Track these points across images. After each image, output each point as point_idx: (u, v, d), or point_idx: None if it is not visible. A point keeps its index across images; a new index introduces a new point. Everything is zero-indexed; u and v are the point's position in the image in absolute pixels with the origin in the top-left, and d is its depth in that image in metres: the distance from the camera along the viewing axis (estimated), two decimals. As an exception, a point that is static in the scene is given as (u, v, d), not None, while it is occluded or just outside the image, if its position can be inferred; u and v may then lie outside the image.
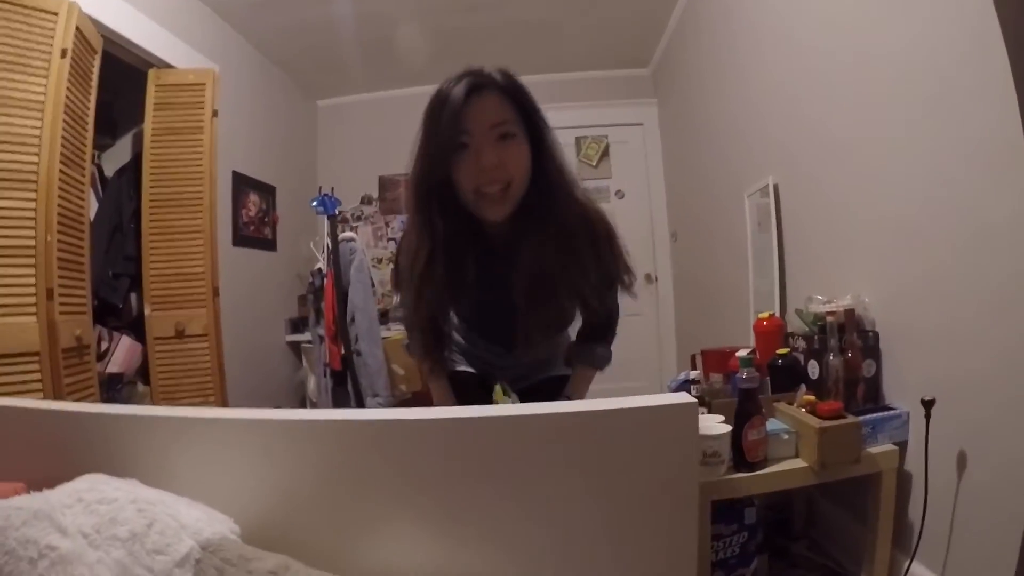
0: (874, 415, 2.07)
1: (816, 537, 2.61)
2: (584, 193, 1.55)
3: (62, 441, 1.01)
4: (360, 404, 3.47)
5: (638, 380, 5.41)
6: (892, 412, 2.09)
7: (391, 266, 5.46)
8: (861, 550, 2.25)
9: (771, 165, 3.00)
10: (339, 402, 3.58)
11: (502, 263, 1.45)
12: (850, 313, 2.21)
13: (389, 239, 5.73)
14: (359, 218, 5.67)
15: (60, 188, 2.38)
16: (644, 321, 5.54)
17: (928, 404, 1.88)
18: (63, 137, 2.40)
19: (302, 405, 4.79)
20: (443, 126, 1.27)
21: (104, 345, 2.96)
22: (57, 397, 2.23)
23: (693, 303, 4.94)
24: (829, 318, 2.18)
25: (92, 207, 2.78)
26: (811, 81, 2.60)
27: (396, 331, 4.64)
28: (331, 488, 0.94)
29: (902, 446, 2.07)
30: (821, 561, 2.47)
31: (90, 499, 0.85)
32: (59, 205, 2.37)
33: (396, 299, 5.26)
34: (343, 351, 3.49)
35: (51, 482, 0.94)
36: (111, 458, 0.97)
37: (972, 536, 1.84)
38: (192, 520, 0.86)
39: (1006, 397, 1.67)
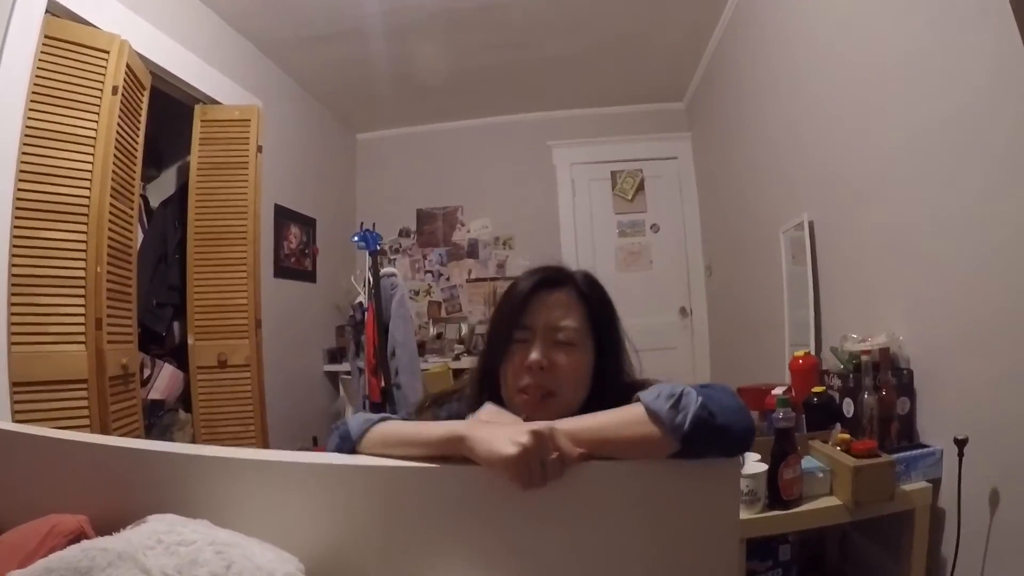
0: (908, 453, 2.06)
1: (849, 572, 2.59)
2: None
3: (126, 477, 1.03)
4: (399, 436, 3.49)
5: (673, 414, 5.36)
6: (926, 450, 2.08)
7: (428, 299, 5.58)
8: None
9: (807, 201, 3.00)
10: (377, 435, 3.60)
11: None
12: (885, 351, 2.19)
13: (426, 271, 5.80)
14: (397, 251, 5.75)
15: (110, 220, 2.47)
16: (678, 355, 5.51)
17: (961, 443, 1.86)
18: (113, 171, 2.49)
19: (338, 435, 4.83)
20: (504, 315, 1.20)
21: (147, 372, 3.04)
22: (103, 424, 2.29)
23: (728, 336, 4.91)
24: (864, 356, 2.18)
25: (137, 237, 2.87)
26: (848, 117, 2.59)
27: (434, 364, 4.70)
28: (388, 529, 0.96)
29: (936, 483, 2.06)
30: None
31: (170, 540, 0.87)
32: (108, 237, 2.46)
33: (433, 331, 5.29)
34: (383, 384, 3.52)
35: (114, 516, 0.97)
36: (176, 497, 1.00)
37: (1004, 572, 1.81)
38: (266, 561, 0.88)
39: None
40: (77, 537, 0.94)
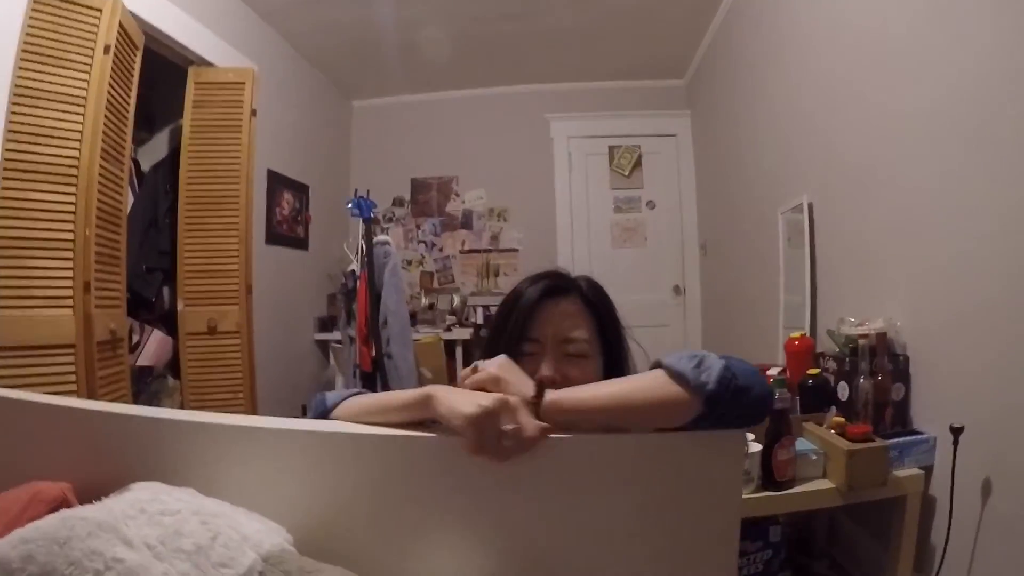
0: (902, 439, 2.06)
1: (837, 556, 2.61)
2: None
3: (111, 443, 1.00)
4: (389, 408, 3.47)
5: (663, 391, 5.38)
6: (919, 437, 2.09)
7: (420, 269, 5.54)
8: (881, 570, 2.26)
9: (806, 183, 2.98)
10: (367, 406, 3.58)
11: None
12: (882, 336, 2.19)
13: (419, 241, 5.77)
14: (390, 219, 5.71)
15: (99, 182, 2.42)
16: (671, 332, 5.51)
17: (957, 431, 1.87)
18: (104, 132, 2.44)
19: (328, 404, 4.81)
20: (510, 329, 1.14)
21: (135, 338, 3.00)
22: (90, 390, 2.27)
23: (721, 315, 4.91)
24: (861, 341, 2.18)
25: (128, 200, 2.82)
26: (851, 99, 2.57)
27: (425, 334, 4.67)
28: (382, 499, 0.94)
29: (928, 470, 2.07)
30: None
31: (153, 510, 0.83)
32: (98, 199, 2.41)
33: (424, 302, 5.27)
34: (374, 353, 3.50)
35: (99, 484, 0.93)
36: (162, 464, 0.96)
37: (993, 565, 1.83)
38: (253, 532, 0.85)
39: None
40: (59, 505, 0.91)
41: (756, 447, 1.85)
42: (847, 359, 2.28)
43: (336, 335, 4.74)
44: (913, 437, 2.09)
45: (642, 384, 0.90)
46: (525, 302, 1.15)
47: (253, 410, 3.31)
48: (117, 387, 2.50)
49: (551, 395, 0.90)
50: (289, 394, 4.38)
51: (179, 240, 3.20)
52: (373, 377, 3.51)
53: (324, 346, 5.01)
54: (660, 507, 0.91)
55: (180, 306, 3.15)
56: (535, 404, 0.88)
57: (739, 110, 4.13)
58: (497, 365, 0.99)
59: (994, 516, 1.82)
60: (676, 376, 0.87)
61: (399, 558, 0.94)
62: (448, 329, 5.10)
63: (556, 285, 1.17)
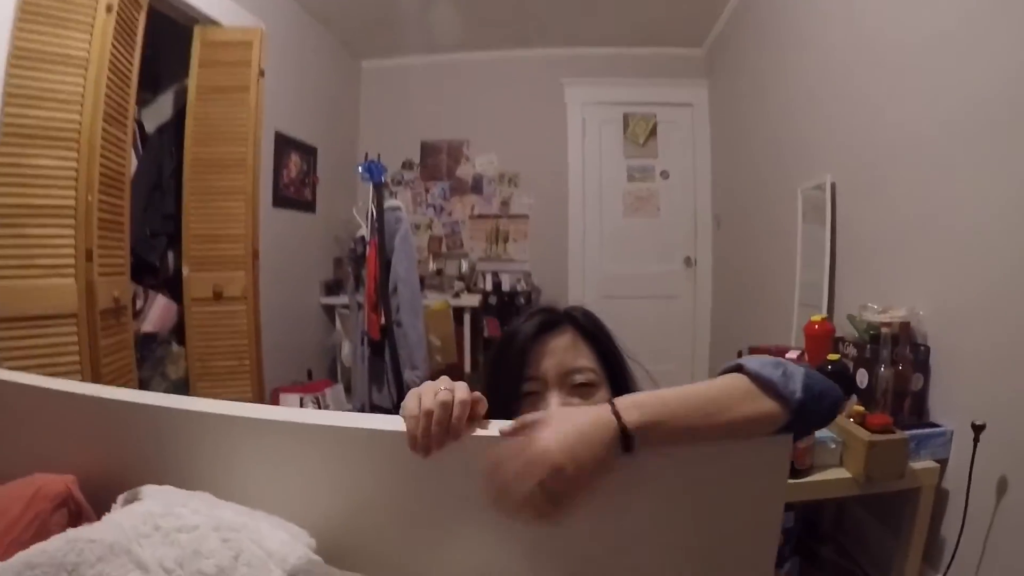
0: (919, 431, 2.06)
1: (843, 541, 2.62)
2: None
3: (120, 433, 0.94)
4: (398, 376, 3.44)
5: (669, 363, 5.39)
6: (937, 429, 2.08)
7: (429, 233, 5.49)
8: (886, 558, 2.28)
9: (829, 162, 2.92)
10: (375, 372, 3.56)
11: None
12: (905, 326, 2.18)
13: (428, 205, 5.69)
14: (399, 183, 5.61)
15: (102, 146, 2.35)
16: (680, 304, 5.49)
17: (978, 429, 1.85)
18: (106, 94, 2.36)
19: (334, 369, 4.81)
20: (508, 370, 1.08)
21: (139, 304, 2.96)
22: (94, 360, 2.23)
23: (732, 289, 4.86)
24: (884, 329, 2.15)
25: (131, 164, 2.75)
26: (879, 76, 2.50)
27: (434, 300, 4.63)
28: (408, 496, 0.88)
29: (943, 463, 2.07)
30: (849, 567, 2.49)
31: (168, 527, 0.77)
32: (100, 164, 2.35)
33: (432, 267, 5.25)
34: (383, 321, 3.45)
35: (104, 475, 0.90)
36: (174, 455, 0.91)
37: (1003, 563, 1.83)
38: (277, 546, 0.79)
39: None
40: (64, 501, 0.87)
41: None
42: (868, 346, 2.24)
43: (343, 299, 4.71)
44: (930, 430, 2.09)
45: (724, 395, 0.81)
46: (520, 340, 1.09)
47: (259, 376, 3.29)
48: (121, 356, 2.46)
49: (632, 417, 0.78)
50: (295, 359, 4.36)
51: (184, 204, 3.14)
52: (382, 345, 3.48)
53: (330, 310, 4.96)
54: (707, 511, 0.86)
55: (185, 272, 3.10)
56: (621, 431, 0.77)
57: (760, 84, 4.03)
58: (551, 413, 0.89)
59: (1008, 514, 1.82)
60: (765, 385, 0.81)
61: (427, 557, 0.89)
62: (456, 295, 5.04)
63: (549, 320, 1.12)
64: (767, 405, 0.80)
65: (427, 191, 5.71)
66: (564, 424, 0.78)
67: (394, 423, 0.85)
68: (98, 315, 2.29)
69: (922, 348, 2.18)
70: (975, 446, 1.85)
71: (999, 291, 1.86)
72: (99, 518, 0.90)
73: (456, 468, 0.83)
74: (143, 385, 2.89)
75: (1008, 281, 1.83)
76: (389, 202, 3.63)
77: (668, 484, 0.83)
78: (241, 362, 3.23)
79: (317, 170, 4.75)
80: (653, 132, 5.45)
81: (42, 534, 0.80)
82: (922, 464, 2.04)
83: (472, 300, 5.03)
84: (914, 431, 2.04)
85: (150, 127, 3.27)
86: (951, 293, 2.10)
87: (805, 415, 0.80)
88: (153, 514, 0.79)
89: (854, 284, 2.72)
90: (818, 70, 3.09)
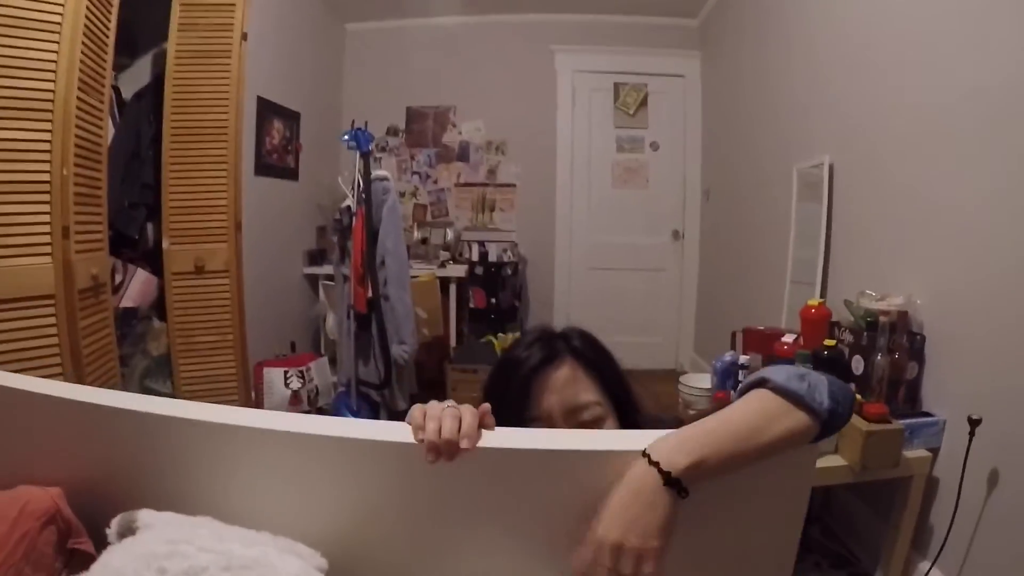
0: (913, 420, 2.08)
1: (830, 523, 2.67)
2: None
3: (111, 440, 0.89)
4: (385, 350, 3.39)
5: (655, 335, 5.39)
6: (930, 419, 2.11)
7: (414, 201, 5.41)
8: (872, 540, 2.35)
9: (827, 144, 2.89)
10: (362, 346, 3.50)
11: None
12: (903, 314, 2.19)
13: (413, 172, 5.60)
14: (383, 149, 5.50)
15: (77, 117, 2.24)
16: (667, 277, 5.50)
17: (975, 423, 1.86)
18: (81, 61, 2.24)
19: (318, 341, 4.74)
20: (508, 405, 1.02)
21: (118, 278, 2.86)
22: (73, 342, 2.15)
23: (720, 264, 4.85)
24: (882, 318, 2.14)
25: (108, 133, 2.64)
26: (880, 56, 2.48)
27: (420, 271, 4.56)
28: (416, 505, 0.85)
29: (935, 452, 2.10)
30: (835, 548, 2.53)
31: (175, 570, 0.71)
32: (76, 135, 2.24)
33: (417, 235, 5.16)
34: (370, 294, 3.38)
35: (93, 487, 0.86)
36: (173, 465, 0.87)
37: (991, 553, 1.88)
38: None
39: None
40: (52, 518, 0.83)
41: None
42: (865, 333, 2.24)
43: (326, 269, 4.63)
44: (924, 419, 2.11)
45: (757, 416, 0.78)
46: (520, 378, 1.06)
47: (243, 352, 3.22)
48: (101, 335, 2.38)
49: (676, 462, 0.73)
50: (278, 332, 4.29)
51: (164, 174, 3.02)
52: (368, 319, 3.42)
53: (313, 280, 4.88)
54: (731, 522, 0.84)
55: (166, 244, 3.01)
56: (666, 480, 0.73)
57: (756, 59, 3.98)
58: None
59: (999, 506, 1.86)
60: (794, 399, 0.78)
61: (436, 565, 0.87)
62: (442, 265, 4.98)
63: (548, 355, 1.08)
64: (801, 420, 0.78)
65: (412, 158, 5.61)
66: (612, 507, 0.74)
67: (400, 433, 0.81)
68: (76, 295, 2.20)
69: (918, 337, 2.18)
70: (970, 439, 1.86)
71: (997, 283, 1.87)
72: (89, 533, 0.85)
73: (464, 475, 0.80)
74: (124, 362, 2.82)
75: (1007, 273, 1.84)
76: (376, 172, 3.54)
77: (691, 497, 0.79)
78: (224, 337, 3.16)
79: (300, 136, 4.62)
80: (644, 102, 5.37)
81: (32, 554, 0.79)
82: (915, 453, 2.07)
83: (458, 270, 4.97)
84: (908, 420, 2.06)
85: (127, 93, 3.14)
86: (949, 283, 2.10)
87: (833, 424, 0.79)
88: (157, 555, 0.73)
89: (850, 267, 2.71)
90: (820, 48, 3.04)
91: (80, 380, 2.19)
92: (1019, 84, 1.76)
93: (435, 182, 5.61)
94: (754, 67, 4.04)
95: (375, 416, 3.54)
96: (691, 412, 2.58)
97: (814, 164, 2.92)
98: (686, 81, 5.32)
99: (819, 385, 0.79)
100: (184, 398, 3.01)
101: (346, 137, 3.48)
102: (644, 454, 0.74)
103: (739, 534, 0.86)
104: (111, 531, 0.79)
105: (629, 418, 1.10)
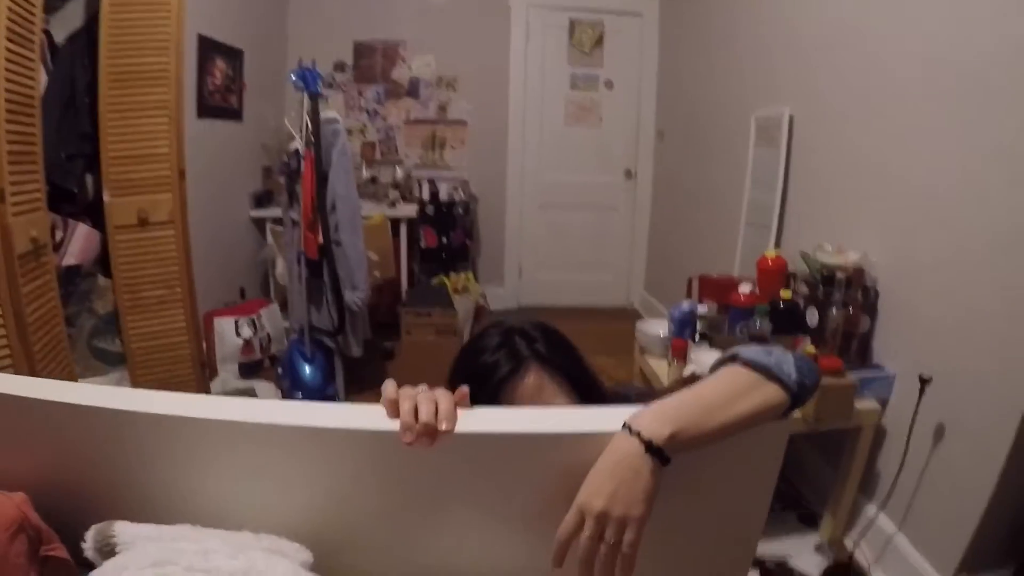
0: (865, 373, 2.15)
1: (783, 467, 2.72)
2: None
3: (78, 440, 0.84)
4: (338, 297, 3.34)
5: (606, 274, 5.44)
6: (881, 372, 2.18)
7: (362, 139, 5.26)
8: (822, 485, 2.45)
9: (788, 95, 2.89)
10: (313, 293, 3.44)
11: None
12: (859, 271, 2.22)
13: (361, 109, 5.43)
14: (330, 85, 5.29)
15: (6, 69, 2.09)
16: (619, 217, 5.53)
17: (925, 382, 1.93)
18: (8, 7, 2.08)
19: (266, 286, 4.65)
20: None
21: (59, 235, 2.72)
22: (16, 311, 2.05)
23: (672, 204, 4.87)
24: (839, 273, 2.19)
25: (40, 81, 2.47)
26: (852, 16, 2.46)
27: (370, 213, 4.47)
28: (393, 492, 0.85)
29: (884, 403, 2.18)
30: (789, 491, 2.64)
31: None
32: (5, 89, 2.09)
33: (366, 174, 5.04)
34: (321, 240, 3.30)
35: (59, 489, 0.83)
36: (142, 463, 0.84)
37: (935, 499, 1.98)
38: None
39: (995, 381, 1.76)
40: (21, 527, 0.78)
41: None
42: (820, 286, 2.28)
43: (273, 212, 4.51)
44: (876, 372, 2.18)
45: (741, 386, 0.81)
46: (488, 390, 1.05)
47: (192, 304, 3.13)
48: (45, 300, 2.28)
49: (658, 431, 0.74)
50: (225, 278, 4.20)
51: (101, 122, 2.85)
52: (320, 265, 3.35)
53: (260, 223, 4.74)
54: (701, 495, 0.87)
55: (106, 197, 2.87)
56: (647, 447, 0.74)
57: (720, 2, 3.90)
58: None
59: (942, 457, 1.96)
60: (764, 372, 0.82)
61: (421, 542, 0.88)
62: (392, 204, 4.89)
63: (514, 367, 1.07)
64: (773, 391, 0.81)
65: (360, 94, 5.43)
66: (595, 476, 0.75)
67: (373, 419, 0.80)
68: (16, 260, 2.09)
69: (872, 292, 2.23)
70: (920, 397, 1.94)
71: (949, 247, 1.93)
72: (60, 539, 0.82)
73: (440, 458, 0.80)
74: (70, 323, 2.72)
75: (959, 238, 1.89)
76: (325, 113, 3.40)
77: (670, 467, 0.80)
78: (172, 290, 3.06)
79: (244, 75, 4.42)
80: (599, 41, 5.27)
81: (4, 567, 0.75)
82: (865, 405, 2.14)
83: (409, 210, 4.90)
84: (860, 372, 2.13)
85: (59, 36, 2.92)
86: (903, 242, 2.15)
87: (802, 395, 0.82)
88: None
89: (806, 216, 2.75)
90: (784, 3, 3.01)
91: (26, 348, 2.11)
92: (988, 60, 1.78)
93: (384, 119, 5.46)
94: (712, 12, 3.99)
95: (330, 362, 3.52)
96: (663, 386, 2.60)
97: (773, 114, 2.92)
98: (643, 20, 5.23)
99: (785, 359, 0.83)
100: (134, 356, 2.94)
101: (294, 77, 3.34)
102: (625, 425, 0.75)
103: (712, 504, 0.88)
104: (87, 545, 0.77)
105: (593, 396, 1.11)
